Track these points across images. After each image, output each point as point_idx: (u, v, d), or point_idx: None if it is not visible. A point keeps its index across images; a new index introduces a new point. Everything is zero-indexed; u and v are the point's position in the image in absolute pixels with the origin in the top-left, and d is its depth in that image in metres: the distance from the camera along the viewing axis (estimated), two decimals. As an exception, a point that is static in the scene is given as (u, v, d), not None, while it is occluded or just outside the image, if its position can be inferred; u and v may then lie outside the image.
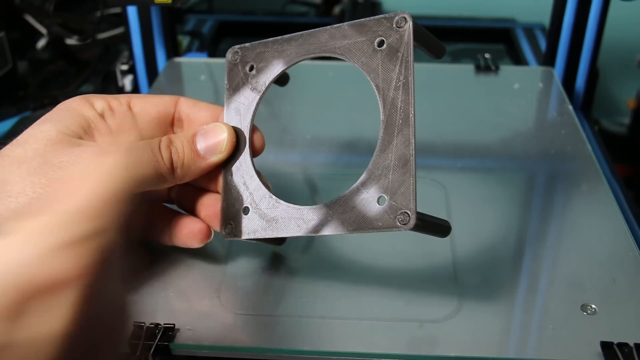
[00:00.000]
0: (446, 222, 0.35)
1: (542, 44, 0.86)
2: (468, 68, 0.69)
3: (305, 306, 0.39)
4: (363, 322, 0.38)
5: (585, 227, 0.46)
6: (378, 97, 0.35)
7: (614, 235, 0.45)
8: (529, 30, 0.92)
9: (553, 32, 0.68)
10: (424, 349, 0.36)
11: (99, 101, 0.38)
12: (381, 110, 0.35)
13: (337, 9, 0.97)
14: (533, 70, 0.75)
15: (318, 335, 0.37)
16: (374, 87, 0.35)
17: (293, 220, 0.37)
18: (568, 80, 0.69)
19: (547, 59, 0.70)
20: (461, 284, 0.41)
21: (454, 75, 0.68)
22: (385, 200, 0.33)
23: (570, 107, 0.61)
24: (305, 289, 0.41)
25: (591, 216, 0.47)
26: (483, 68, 0.68)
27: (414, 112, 0.34)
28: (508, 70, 0.69)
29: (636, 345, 0.35)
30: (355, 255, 0.43)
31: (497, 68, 0.68)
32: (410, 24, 0.34)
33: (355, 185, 0.35)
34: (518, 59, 0.85)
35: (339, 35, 0.37)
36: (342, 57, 0.37)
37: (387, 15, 0.35)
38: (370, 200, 0.34)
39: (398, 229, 0.33)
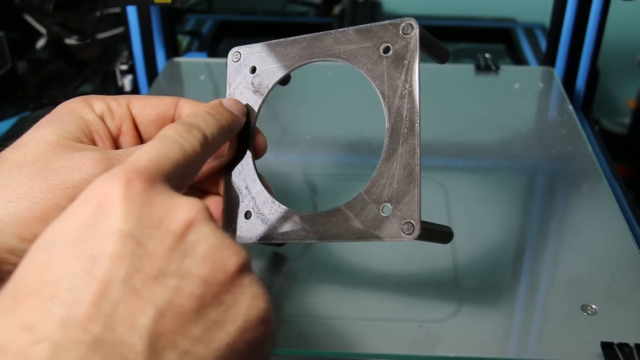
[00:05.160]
0: (448, 228, 0.35)
1: (543, 43, 0.86)
2: (468, 68, 0.69)
3: (305, 307, 0.39)
4: (363, 323, 0.38)
5: (586, 227, 0.46)
6: (383, 105, 0.34)
7: (615, 235, 0.44)
8: (529, 30, 0.92)
9: (553, 32, 0.68)
10: (424, 350, 0.36)
11: (98, 103, 0.37)
12: (386, 118, 0.34)
13: (337, 9, 0.97)
14: (533, 70, 0.75)
15: (318, 336, 0.37)
16: (379, 94, 0.35)
17: (295, 227, 0.36)
18: (568, 80, 0.69)
19: (548, 59, 0.70)
20: (461, 284, 0.41)
21: (454, 75, 0.68)
22: (389, 209, 0.33)
23: (571, 107, 0.61)
24: (306, 290, 0.40)
25: (591, 216, 0.47)
26: (483, 68, 0.68)
27: (420, 121, 0.33)
28: (508, 70, 0.69)
29: (636, 345, 0.35)
30: (355, 256, 0.43)
31: (497, 68, 0.68)
32: (416, 30, 0.34)
33: (359, 193, 0.35)
34: (518, 59, 0.85)
35: (344, 40, 0.37)
36: (347, 62, 0.37)
37: (393, 21, 0.35)
38: (374, 209, 0.34)
39: (402, 239, 0.32)
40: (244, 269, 0.24)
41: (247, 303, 0.24)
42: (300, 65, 0.38)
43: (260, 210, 0.38)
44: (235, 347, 0.23)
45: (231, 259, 0.24)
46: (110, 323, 0.21)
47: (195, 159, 0.29)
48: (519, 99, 0.64)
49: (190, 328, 0.22)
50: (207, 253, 0.24)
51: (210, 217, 0.25)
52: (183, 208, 0.24)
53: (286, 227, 0.37)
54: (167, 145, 0.28)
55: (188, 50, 0.82)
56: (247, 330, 0.24)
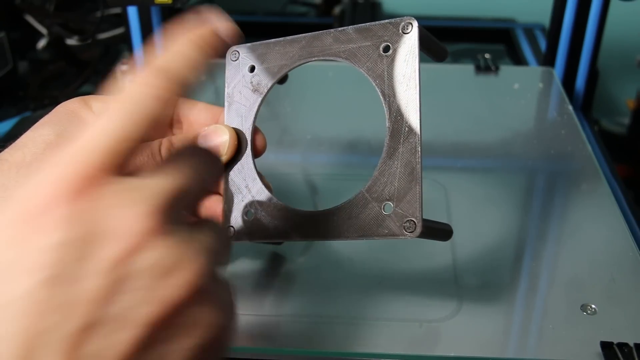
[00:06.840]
0: (448, 226, 0.35)
1: (542, 44, 0.86)
2: (468, 68, 0.69)
3: (305, 306, 0.39)
4: (363, 323, 0.38)
5: (585, 227, 0.46)
6: (384, 104, 0.34)
7: (614, 235, 0.45)
8: (529, 31, 0.92)
9: (553, 32, 0.68)
10: (424, 349, 0.36)
11: (97, 103, 0.38)
12: (387, 116, 0.34)
13: (337, 9, 0.97)
14: (533, 70, 0.75)
15: (318, 335, 0.37)
16: (379, 93, 0.35)
17: (296, 225, 0.36)
18: (568, 81, 0.69)
19: (547, 59, 0.70)
20: (461, 284, 0.41)
21: (454, 76, 0.69)
22: (391, 208, 0.33)
23: (570, 107, 0.61)
24: (305, 289, 0.41)
25: (591, 216, 0.47)
26: (483, 68, 0.68)
27: (421, 119, 0.33)
28: (508, 70, 0.69)
29: (636, 345, 0.35)
30: (355, 255, 0.43)
31: (497, 68, 0.68)
32: (416, 29, 0.34)
33: (360, 191, 0.35)
34: (518, 59, 0.85)
35: (344, 39, 0.37)
36: (346, 62, 0.37)
37: (392, 20, 0.35)
38: (376, 207, 0.34)
39: (404, 236, 0.32)
40: (195, 294, 0.22)
41: (199, 332, 0.22)
42: (300, 64, 0.38)
43: (260, 208, 0.38)
44: None
45: (177, 288, 0.21)
46: None
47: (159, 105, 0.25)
48: (518, 99, 0.64)
49: None
50: (149, 287, 0.21)
51: (166, 210, 0.22)
52: (118, 230, 0.21)
53: (286, 226, 0.37)
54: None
55: (188, 50, 0.82)
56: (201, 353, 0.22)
